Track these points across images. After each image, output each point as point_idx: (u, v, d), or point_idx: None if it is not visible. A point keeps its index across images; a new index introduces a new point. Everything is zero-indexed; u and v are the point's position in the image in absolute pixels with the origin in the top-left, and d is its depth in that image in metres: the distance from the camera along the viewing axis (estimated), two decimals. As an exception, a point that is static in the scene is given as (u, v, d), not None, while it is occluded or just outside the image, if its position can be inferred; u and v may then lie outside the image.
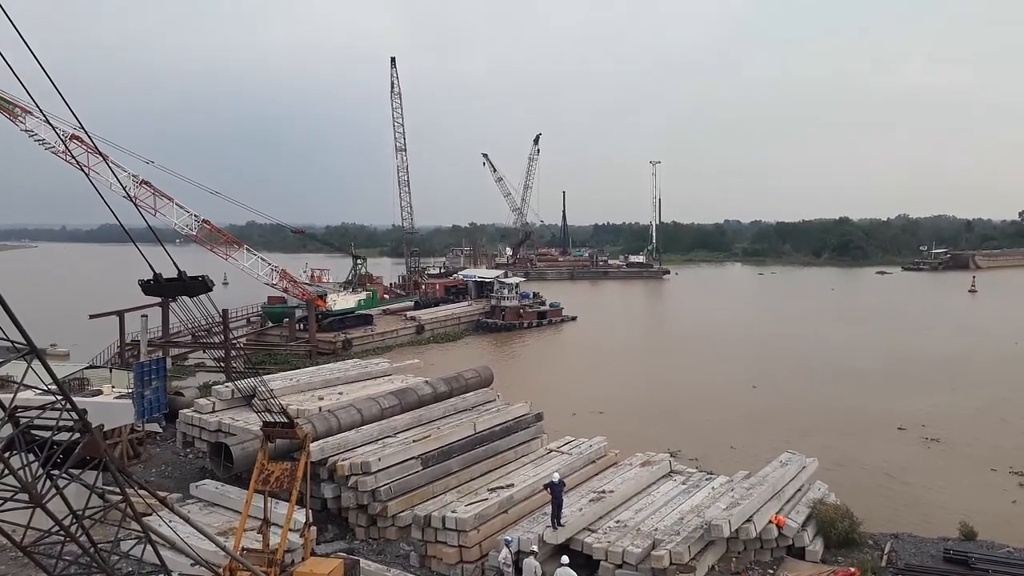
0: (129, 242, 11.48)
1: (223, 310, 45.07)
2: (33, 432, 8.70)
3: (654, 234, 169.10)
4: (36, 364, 8.24)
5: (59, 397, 8.66)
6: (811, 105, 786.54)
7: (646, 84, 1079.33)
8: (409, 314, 79.15)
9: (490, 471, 26.57)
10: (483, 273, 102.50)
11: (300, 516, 17.47)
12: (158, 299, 36.46)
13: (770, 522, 21.92)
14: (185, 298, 12.31)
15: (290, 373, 37.24)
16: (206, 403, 30.17)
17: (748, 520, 21.40)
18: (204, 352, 55.88)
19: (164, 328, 56.07)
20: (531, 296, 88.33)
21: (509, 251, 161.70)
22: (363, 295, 79.14)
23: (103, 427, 10.34)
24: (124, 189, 41.89)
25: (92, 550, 9.18)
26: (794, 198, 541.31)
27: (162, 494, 17.57)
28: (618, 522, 22.47)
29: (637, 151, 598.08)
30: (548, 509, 21.81)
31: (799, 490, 24.84)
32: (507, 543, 20.45)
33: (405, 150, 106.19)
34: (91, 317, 53.53)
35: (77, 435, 8.94)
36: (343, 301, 73.58)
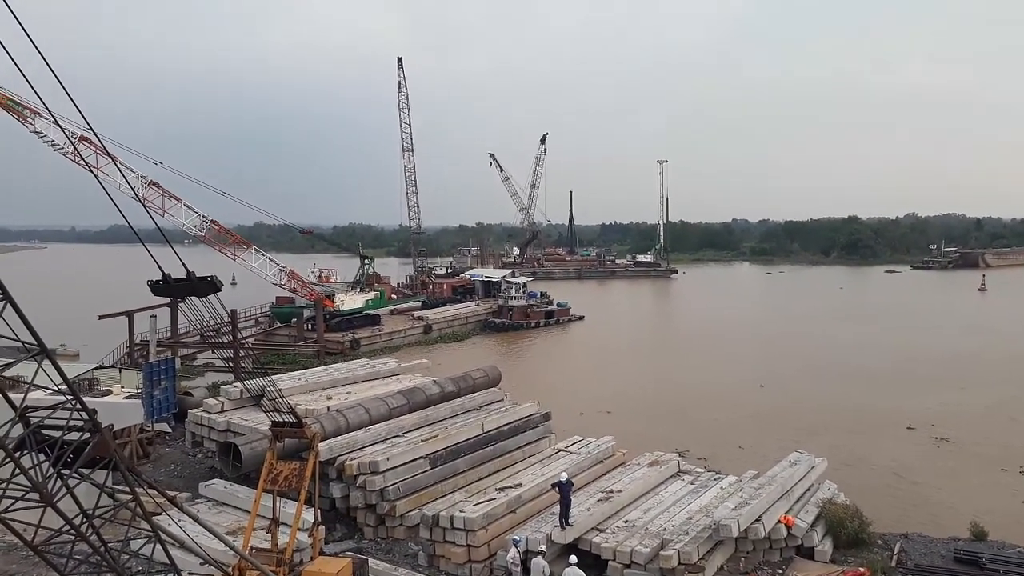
0: (138, 243, 11.51)
1: (232, 310, 45.16)
2: (44, 432, 8.76)
3: (662, 233, 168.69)
4: (46, 364, 8.27)
5: (69, 397, 8.70)
6: (811, 105, 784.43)
7: (646, 84, 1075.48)
8: (416, 314, 79.22)
9: (498, 471, 26.57)
10: (490, 273, 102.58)
11: (309, 515, 17.49)
12: (167, 300, 36.78)
13: (779, 522, 21.82)
14: (194, 298, 12.36)
15: (298, 373, 37.34)
16: (215, 403, 30.28)
17: (757, 520, 21.31)
18: (213, 352, 56.13)
19: (173, 328, 56.25)
20: (538, 296, 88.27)
21: (516, 251, 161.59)
22: (371, 295, 79.26)
23: (113, 427, 10.39)
24: (133, 190, 42.06)
25: (102, 549, 9.22)
26: (795, 198, 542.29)
27: (171, 493, 17.63)
28: (626, 522, 22.43)
29: (637, 151, 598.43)
30: (556, 509, 21.77)
31: (808, 490, 24.72)
32: (515, 543, 20.43)
33: (412, 150, 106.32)
34: (100, 318, 53.80)
35: (87, 435, 8.98)
36: (351, 301, 73.70)
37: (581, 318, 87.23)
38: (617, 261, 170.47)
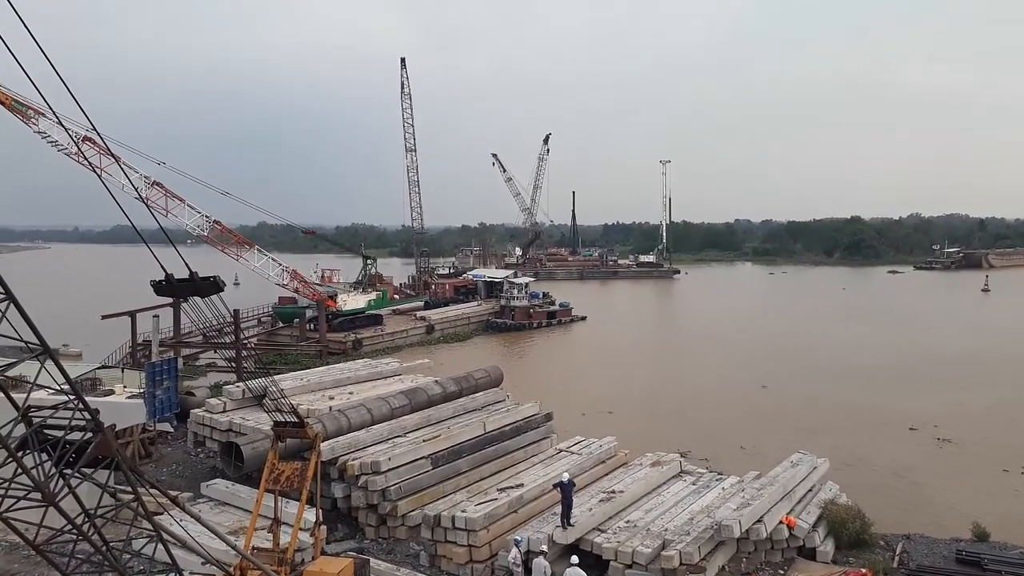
0: (141, 243, 11.55)
1: (234, 310, 45.17)
2: (46, 431, 8.77)
3: (664, 233, 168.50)
4: (49, 364, 8.30)
5: (72, 397, 8.73)
6: (811, 105, 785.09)
7: (646, 84, 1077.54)
8: (419, 314, 79.23)
9: (500, 471, 26.60)
10: (493, 273, 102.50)
11: (310, 515, 17.53)
12: (170, 299, 36.83)
13: (781, 523, 21.83)
14: (196, 298, 12.38)
15: (301, 373, 37.39)
16: (217, 403, 30.32)
17: (759, 520, 21.31)
18: (215, 352, 56.12)
19: (176, 328, 56.32)
20: (541, 296, 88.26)
21: (519, 251, 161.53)
22: (373, 295, 79.27)
23: (115, 426, 10.39)
24: (136, 190, 42.16)
25: (104, 548, 9.24)
26: (795, 198, 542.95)
27: (173, 493, 17.66)
28: (628, 522, 22.44)
29: (638, 151, 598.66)
30: (558, 509, 21.79)
31: (810, 490, 24.72)
32: (517, 543, 20.45)
33: (415, 150, 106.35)
34: (103, 317, 53.88)
35: (89, 434, 9.00)
36: (353, 301, 73.73)
37: (583, 318, 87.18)
38: (620, 261, 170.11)
